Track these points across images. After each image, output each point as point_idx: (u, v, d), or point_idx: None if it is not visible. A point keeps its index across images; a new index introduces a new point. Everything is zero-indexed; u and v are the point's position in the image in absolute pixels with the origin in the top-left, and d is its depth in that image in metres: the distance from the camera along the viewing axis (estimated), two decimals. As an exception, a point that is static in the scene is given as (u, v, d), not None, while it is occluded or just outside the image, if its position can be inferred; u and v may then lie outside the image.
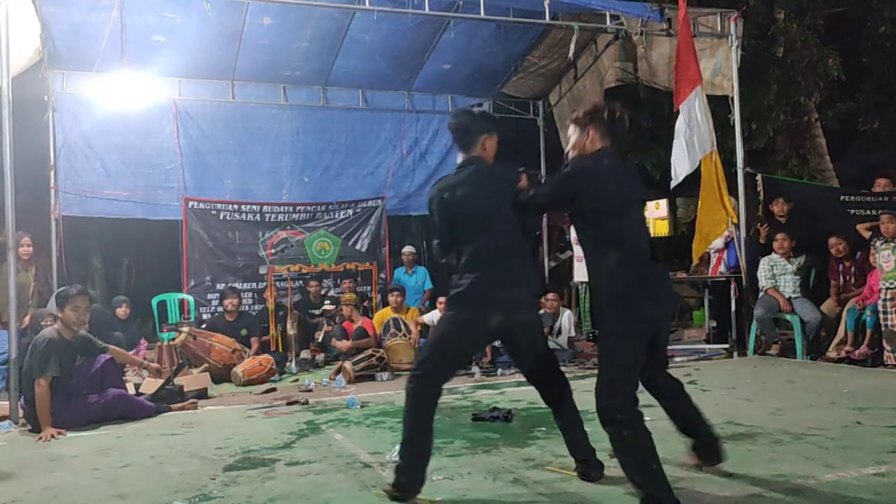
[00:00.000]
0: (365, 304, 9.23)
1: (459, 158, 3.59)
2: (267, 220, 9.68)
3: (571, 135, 3.45)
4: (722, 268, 8.29)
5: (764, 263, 7.69)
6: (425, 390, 3.32)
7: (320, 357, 8.19)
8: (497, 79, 10.17)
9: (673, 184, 8.20)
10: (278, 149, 9.76)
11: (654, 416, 4.86)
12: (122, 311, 8.30)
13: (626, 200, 3.30)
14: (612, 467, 3.71)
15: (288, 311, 8.48)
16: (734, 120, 8.11)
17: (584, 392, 5.90)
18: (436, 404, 3.34)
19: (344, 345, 7.69)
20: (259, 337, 8.05)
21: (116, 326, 7.90)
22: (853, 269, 7.60)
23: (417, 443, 3.27)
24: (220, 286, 9.22)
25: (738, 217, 7.94)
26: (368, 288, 9.44)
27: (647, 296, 3.17)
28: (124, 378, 6.14)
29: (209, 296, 9.32)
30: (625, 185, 3.34)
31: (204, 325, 8.29)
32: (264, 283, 9.09)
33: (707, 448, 3.53)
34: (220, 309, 8.88)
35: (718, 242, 8.21)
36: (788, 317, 7.48)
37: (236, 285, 9.09)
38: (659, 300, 3.26)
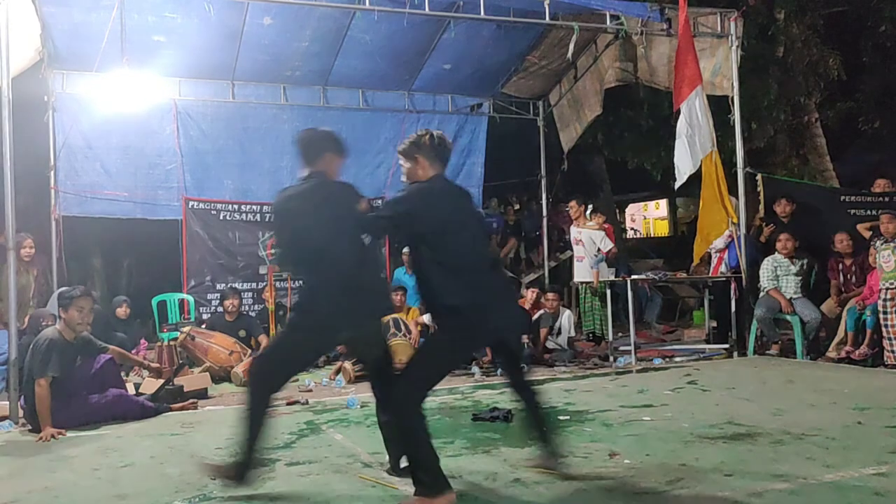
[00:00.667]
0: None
1: (304, 172, 3.71)
2: (267, 220, 9.66)
3: (403, 166, 3.54)
4: (723, 268, 8.29)
5: (767, 264, 7.68)
6: (264, 389, 3.58)
7: (320, 357, 8.18)
8: (497, 79, 10.16)
9: (677, 184, 8.21)
10: (278, 149, 9.74)
11: (654, 417, 4.88)
12: (122, 311, 8.30)
13: (458, 220, 3.39)
14: (612, 467, 3.72)
15: (287, 311, 8.48)
16: (734, 120, 8.11)
17: (583, 392, 5.93)
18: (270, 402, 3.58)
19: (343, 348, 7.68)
20: (267, 336, 8.05)
21: (117, 327, 7.90)
22: (854, 267, 7.60)
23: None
24: (220, 286, 9.21)
25: (738, 217, 7.95)
26: (368, 288, 9.44)
27: (485, 309, 3.28)
28: (125, 378, 6.14)
29: (209, 296, 9.31)
30: (457, 207, 3.46)
31: (204, 325, 8.29)
32: (264, 283, 9.08)
33: (550, 455, 3.66)
34: (220, 309, 8.87)
35: (719, 242, 8.22)
36: (788, 317, 7.48)
37: (237, 286, 9.09)
38: (499, 313, 3.37)
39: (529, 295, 8.43)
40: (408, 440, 3.25)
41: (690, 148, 7.95)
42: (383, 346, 3.88)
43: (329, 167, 3.68)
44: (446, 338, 3.40)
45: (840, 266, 7.72)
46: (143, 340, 8.55)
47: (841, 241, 7.67)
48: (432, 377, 3.34)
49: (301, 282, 3.65)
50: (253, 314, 8.88)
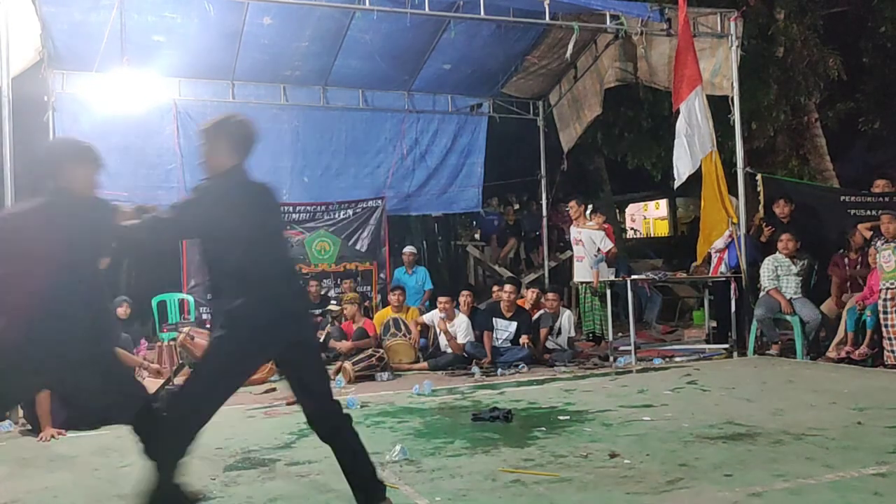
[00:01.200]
0: (365, 304, 9.24)
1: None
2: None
3: (202, 147, 3.10)
4: (723, 268, 8.29)
5: (768, 264, 7.67)
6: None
7: (321, 357, 8.18)
8: (497, 79, 10.17)
9: (676, 184, 8.21)
10: (278, 149, 9.75)
11: (654, 417, 4.88)
12: (122, 311, 8.28)
13: (254, 223, 2.95)
14: (612, 467, 3.72)
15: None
16: (734, 120, 8.12)
17: (583, 392, 5.93)
18: None
19: (344, 345, 7.69)
20: None
21: (119, 327, 7.88)
22: (858, 264, 7.57)
23: None
24: (220, 286, 9.22)
25: (739, 217, 7.95)
26: (368, 288, 9.45)
27: (276, 322, 2.90)
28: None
29: (209, 296, 9.31)
30: (255, 207, 3.00)
31: (208, 325, 8.28)
32: (264, 284, 9.07)
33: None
34: (220, 309, 8.87)
35: (719, 243, 8.21)
36: (788, 317, 7.48)
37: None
38: (291, 326, 2.98)
39: (529, 295, 8.44)
40: (157, 457, 2.91)
41: (690, 148, 7.95)
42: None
43: (72, 182, 3.08)
44: (229, 348, 2.91)
45: (845, 261, 7.69)
46: (143, 340, 8.55)
47: (861, 231, 7.56)
48: (217, 391, 2.98)
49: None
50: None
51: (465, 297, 8.11)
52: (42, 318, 2.84)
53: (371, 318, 8.27)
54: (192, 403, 2.96)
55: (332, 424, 3.08)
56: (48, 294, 2.85)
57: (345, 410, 3.14)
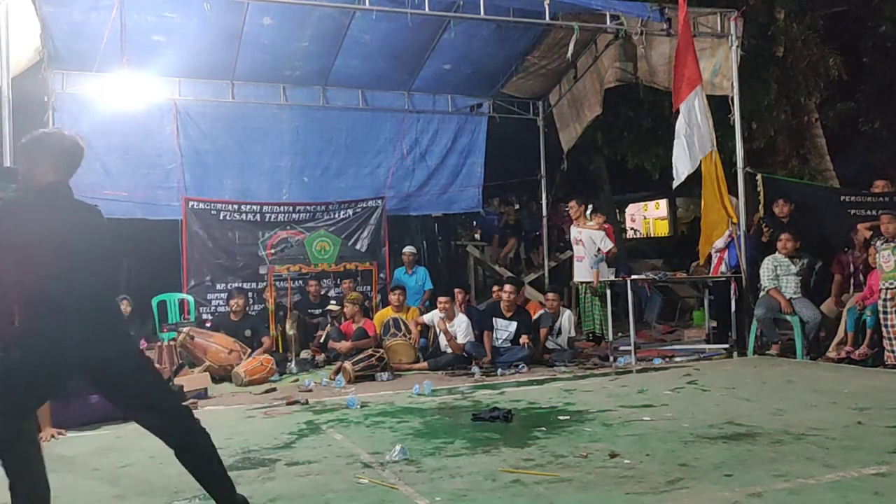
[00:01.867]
0: (365, 304, 9.23)
1: None
2: (267, 220, 9.68)
3: (20, 163, 2.96)
4: (723, 268, 8.29)
5: (767, 264, 7.68)
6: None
7: (320, 357, 8.18)
8: (497, 79, 10.17)
9: (675, 184, 8.21)
10: (278, 149, 9.76)
11: (654, 417, 4.88)
12: (122, 309, 8.30)
13: (49, 244, 2.80)
14: (612, 467, 3.72)
15: (288, 311, 8.48)
16: (734, 120, 8.12)
17: (583, 392, 5.93)
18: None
19: (344, 346, 7.68)
20: (269, 336, 8.07)
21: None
22: (862, 264, 7.56)
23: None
24: (220, 286, 9.23)
25: (738, 217, 7.95)
26: (368, 288, 9.44)
27: (50, 349, 2.78)
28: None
29: (209, 296, 9.32)
30: (52, 227, 2.83)
31: (208, 325, 8.28)
32: (264, 283, 9.09)
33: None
34: (220, 309, 8.88)
35: (719, 242, 8.21)
36: (788, 317, 7.48)
37: (242, 286, 9.09)
38: (72, 352, 2.82)
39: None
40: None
41: (689, 148, 7.96)
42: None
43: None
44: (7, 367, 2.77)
45: (851, 258, 7.67)
46: (142, 340, 8.55)
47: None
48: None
49: None
50: (253, 314, 8.88)
51: (460, 295, 8.17)
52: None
53: (371, 318, 8.27)
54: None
55: (180, 436, 2.99)
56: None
57: (193, 421, 3.03)
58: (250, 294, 9.44)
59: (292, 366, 7.76)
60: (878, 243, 6.94)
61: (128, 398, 3.01)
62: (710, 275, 8.44)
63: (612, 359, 7.60)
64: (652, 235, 23.16)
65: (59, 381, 2.96)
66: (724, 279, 8.10)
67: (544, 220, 11.26)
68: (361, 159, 10.22)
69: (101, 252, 3.01)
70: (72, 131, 3.06)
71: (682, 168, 8.03)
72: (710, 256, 8.49)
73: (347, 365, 7.03)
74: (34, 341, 2.78)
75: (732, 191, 8.10)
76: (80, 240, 2.91)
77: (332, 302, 8.85)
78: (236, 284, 9.15)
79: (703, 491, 3.29)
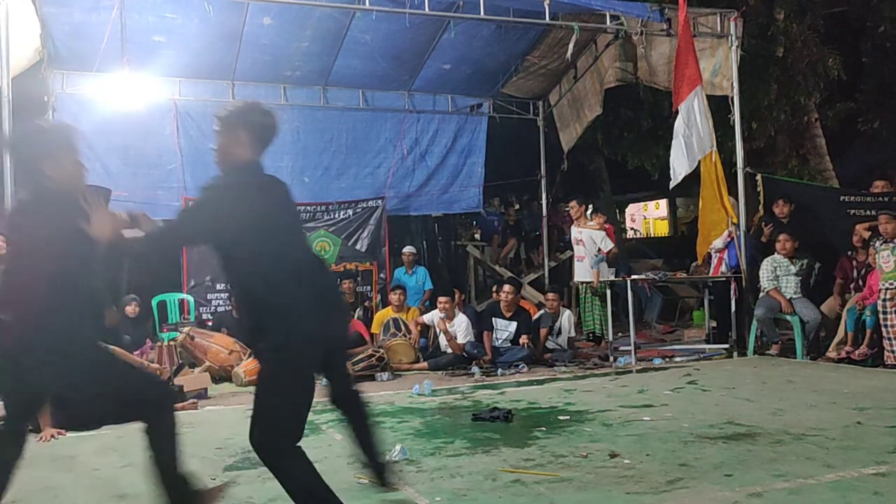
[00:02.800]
0: (365, 304, 9.24)
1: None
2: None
3: (218, 138, 2.90)
4: (723, 268, 8.29)
5: (766, 264, 7.68)
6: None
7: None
8: (497, 79, 10.17)
9: (672, 184, 8.21)
10: (278, 149, 9.72)
11: (654, 417, 4.88)
12: (130, 310, 8.29)
13: (274, 223, 2.83)
14: (612, 467, 3.72)
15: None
16: (734, 120, 8.12)
17: (583, 392, 5.93)
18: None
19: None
20: None
21: (126, 325, 7.88)
22: (865, 266, 7.55)
23: None
24: (220, 286, 9.22)
25: (738, 217, 7.95)
26: (368, 288, 9.45)
27: (311, 318, 2.78)
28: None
29: (209, 296, 9.31)
30: (274, 205, 2.89)
31: (210, 323, 8.27)
32: (264, 284, 9.08)
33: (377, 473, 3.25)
34: (220, 309, 8.87)
35: (719, 243, 8.21)
36: (788, 317, 7.48)
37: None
38: (325, 321, 2.87)
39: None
40: (292, 488, 2.89)
41: (687, 148, 7.96)
42: None
43: (53, 176, 2.81)
44: (273, 368, 2.81)
45: (854, 262, 7.66)
46: (147, 340, 8.54)
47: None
48: (287, 417, 2.88)
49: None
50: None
51: (456, 295, 8.21)
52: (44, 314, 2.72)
53: (370, 319, 8.27)
54: (274, 429, 2.90)
55: (348, 402, 3.23)
56: (49, 290, 2.71)
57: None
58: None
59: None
60: (878, 243, 6.95)
61: (339, 375, 3.16)
62: (710, 275, 8.44)
63: (612, 359, 7.60)
64: (652, 235, 23.17)
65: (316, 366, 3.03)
66: (724, 279, 8.10)
67: (544, 220, 11.26)
68: (362, 159, 10.21)
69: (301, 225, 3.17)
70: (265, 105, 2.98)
71: (679, 168, 8.04)
72: (709, 256, 8.50)
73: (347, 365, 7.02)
74: (295, 326, 2.73)
75: (732, 191, 8.10)
76: (297, 216, 3.06)
77: None
78: None
79: (703, 491, 3.30)
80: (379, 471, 3.23)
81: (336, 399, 3.20)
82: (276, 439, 2.84)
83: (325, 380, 3.12)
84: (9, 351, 2.73)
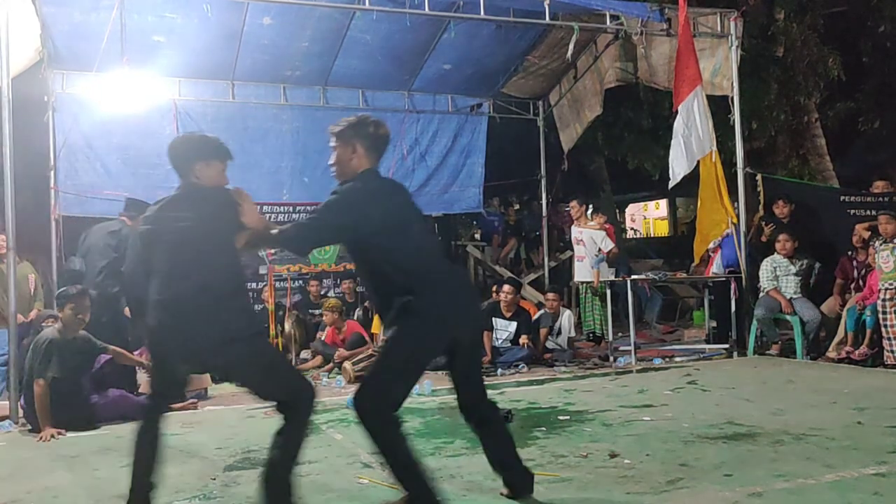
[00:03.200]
0: (365, 304, 9.24)
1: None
2: (267, 219, 9.66)
3: (334, 150, 3.15)
4: (715, 268, 8.29)
5: (766, 264, 7.68)
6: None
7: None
8: (497, 79, 10.16)
9: (671, 184, 8.22)
10: (278, 149, 9.75)
11: (654, 417, 4.88)
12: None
13: (406, 218, 3.10)
14: (612, 467, 3.72)
15: (287, 311, 8.47)
16: (734, 120, 8.12)
17: (583, 392, 5.93)
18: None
19: (342, 354, 7.60)
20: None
21: (127, 326, 7.86)
22: (865, 268, 7.55)
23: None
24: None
25: (738, 217, 7.95)
26: (369, 288, 9.44)
27: (443, 307, 3.00)
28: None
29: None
30: (401, 204, 3.14)
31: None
32: (264, 283, 9.09)
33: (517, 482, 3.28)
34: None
35: (710, 243, 8.22)
36: (788, 317, 7.48)
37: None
38: (457, 311, 3.07)
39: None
40: (382, 451, 2.97)
41: (686, 149, 7.96)
42: None
43: (202, 177, 3.20)
44: (407, 340, 3.00)
45: (854, 262, 7.66)
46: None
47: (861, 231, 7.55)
48: (398, 384, 3.01)
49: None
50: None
51: None
52: (178, 307, 2.99)
53: (353, 319, 8.26)
54: (381, 395, 3.00)
55: (481, 414, 3.24)
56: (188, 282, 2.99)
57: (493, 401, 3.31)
58: (251, 294, 9.43)
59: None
60: (878, 243, 6.95)
61: (463, 365, 3.20)
62: (706, 275, 8.44)
63: (612, 359, 7.60)
64: (652, 235, 23.17)
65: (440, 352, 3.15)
66: (724, 279, 8.10)
67: (544, 220, 11.26)
68: (361, 159, 10.21)
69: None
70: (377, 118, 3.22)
71: (678, 168, 8.04)
72: (708, 256, 8.50)
73: (347, 365, 7.02)
74: (438, 315, 2.98)
75: (732, 191, 8.10)
76: (418, 215, 3.25)
77: None
78: None
79: (703, 491, 3.30)
80: (518, 479, 3.25)
81: (466, 405, 3.23)
82: (380, 402, 2.97)
83: (451, 380, 3.22)
84: (185, 331, 2.97)
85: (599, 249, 8.51)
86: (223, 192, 3.21)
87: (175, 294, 3.00)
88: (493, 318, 7.81)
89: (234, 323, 3.00)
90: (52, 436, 4.90)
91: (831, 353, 7.20)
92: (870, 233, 7.43)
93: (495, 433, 3.25)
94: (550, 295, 8.32)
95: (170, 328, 3.01)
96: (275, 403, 3.13)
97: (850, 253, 7.73)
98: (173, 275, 3.03)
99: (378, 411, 2.96)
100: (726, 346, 7.90)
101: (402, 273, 2.98)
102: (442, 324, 3.00)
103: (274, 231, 3.20)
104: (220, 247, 3.07)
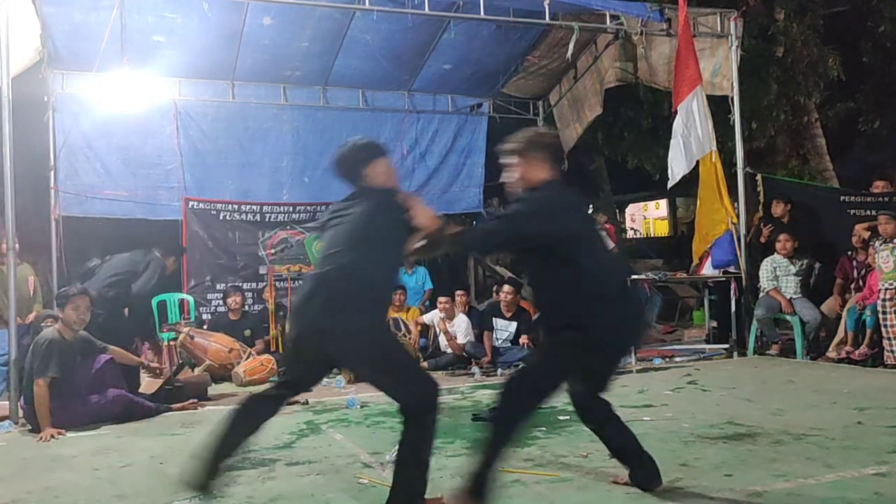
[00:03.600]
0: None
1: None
2: (267, 220, 9.67)
3: (512, 167, 3.24)
4: (705, 270, 8.27)
5: (766, 264, 7.68)
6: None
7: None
8: (497, 79, 10.16)
9: (670, 184, 8.23)
10: (278, 149, 9.75)
11: (654, 417, 4.88)
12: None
13: (589, 229, 3.27)
14: (612, 467, 3.72)
15: (288, 311, 8.47)
16: (734, 120, 8.12)
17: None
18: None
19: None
20: (263, 338, 8.06)
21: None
22: (865, 268, 7.54)
23: None
24: (220, 286, 9.21)
25: (738, 217, 7.95)
26: (368, 288, 9.44)
27: (612, 327, 3.07)
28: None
29: (209, 296, 9.30)
30: (583, 213, 3.28)
31: (206, 325, 8.27)
32: (264, 283, 9.09)
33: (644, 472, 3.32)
34: (220, 309, 8.86)
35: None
36: (788, 317, 7.48)
37: (239, 284, 9.09)
38: (624, 330, 3.19)
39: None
40: (487, 445, 2.98)
41: (685, 149, 7.97)
42: None
43: (372, 177, 3.28)
44: (564, 351, 3.07)
45: (854, 262, 7.65)
46: (145, 341, 8.52)
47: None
48: (543, 392, 3.07)
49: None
50: (254, 313, 8.87)
51: (460, 297, 8.18)
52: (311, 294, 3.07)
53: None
54: (525, 398, 3.06)
55: (599, 415, 3.32)
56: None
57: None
58: (251, 294, 9.44)
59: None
60: (877, 243, 6.95)
61: (601, 377, 3.31)
62: (702, 275, 8.43)
63: (612, 359, 7.58)
64: (652, 235, 23.17)
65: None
66: (724, 279, 8.09)
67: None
68: (362, 159, 10.20)
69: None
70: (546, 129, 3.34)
71: (677, 168, 8.05)
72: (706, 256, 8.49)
73: (347, 365, 7.02)
74: (605, 338, 3.05)
75: (732, 191, 8.10)
76: (594, 225, 3.45)
77: None
78: (233, 282, 9.11)
79: (703, 491, 3.30)
80: (646, 468, 3.28)
81: (583, 407, 3.32)
82: (522, 411, 3.03)
83: (584, 381, 3.26)
84: (313, 314, 3.02)
85: (600, 249, 8.49)
86: (388, 193, 3.22)
87: (315, 283, 3.10)
88: (494, 318, 7.81)
89: (358, 316, 2.99)
90: (52, 436, 4.90)
91: (831, 354, 7.20)
92: (870, 233, 7.43)
93: (616, 427, 3.30)
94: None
95: (302, 309, 3.08)
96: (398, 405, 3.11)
97: (849, 253, 7.72)
98: (321, 262, 3.15)
99: (514, 420, 3.02)
100: (726, 346, 7.91)
101: (582, 286, 3.01)
102: (606, 347, 3.10)
103: (452, 233, 3.19)
104: (368, 242, 3.09)
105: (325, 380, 7.00)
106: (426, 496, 3.02)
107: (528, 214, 3.09)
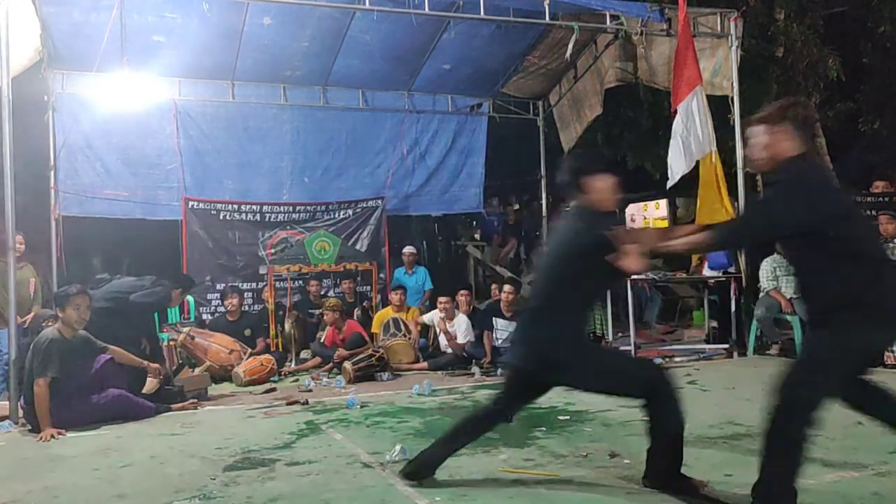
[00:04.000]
0: (364, 304, 9.24)
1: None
2: (267, 220, 9.68)
3: (760, 140, 2.98)
4: (704, 271, 8.27)
5: (766, 264, 7.68)
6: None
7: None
8: (497, 79, 10.16)
9: (669, 184, 8.24)
10: (278, 149, 9.75)
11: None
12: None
13: (852, 203, 3.14)
14: (612, 467, 3.72)
15: (287, 310, 8.47)
16: (734, 120, 8.12)
17: (583, 392, 5.92)
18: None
19: (343, 354, 7.60)
20: (264, 338, 8.06)
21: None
22: None
23: None
24: (220, 286, 9.21)
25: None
26: (368, 288, 9.44)
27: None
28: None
29: (209, 296, 9.30)
30: (836, 183, 3.13)
31: (206, 326, 8.27)
32: (264, 283, 9.09)
33: None
34: (220, 309, 8.86)
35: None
36: (789, 317, 7.48)
37: (237, 284, 9.09)
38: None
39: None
40: (777, 447, 2.82)
41: (685, 149, 7.97)
42: None
43: (589, 192, 3.30)
44: (856, 336, 2.82)
45: None
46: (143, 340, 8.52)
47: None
48: (833, 383, 2.85)
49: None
50: (254, 313, 8.87)
51: (463, 297, 8.16)
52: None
53: (370, 319, 8.24)
54: (811, 392, 2.83)
55: (861, 393, 3.07)
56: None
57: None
58: (251, 294, 9.44)
59: (292, 365, 7.79)
60: (878, 243, 6.93)
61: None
62: (702, 275, 8.43)
63: (612, 359, 7.59)
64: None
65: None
66: (724, 279, 8.09)
67: (544, 220, 11.26)
68: (361, 159, 10.21)
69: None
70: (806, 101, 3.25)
71: (677, 168, 8.05)
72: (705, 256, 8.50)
73: (347, 365, 7.03)
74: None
75: (732, 191, 8.10)
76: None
77: None
78: (230, 283, 9.10)
79: (703, 491, 3.29)
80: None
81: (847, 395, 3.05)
82: (814, 399, 2.79)
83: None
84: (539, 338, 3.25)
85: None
86: (593, 224, 3.24)
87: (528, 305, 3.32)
88: (494, 318, 7.81)
89: (547, 343, 3.23)
90: (52, 436, 4.90)
91: (831, 354, 7.19)
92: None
93: (881, 398, 3.05)
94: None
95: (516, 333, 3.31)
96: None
97: None
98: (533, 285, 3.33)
99: (804, 410, 2.78)
100: (726, 346, 7.91)
101: (860, 265, 2.82)
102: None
103: (695, 238, 3.09)
104: (557, 266, 3.29)
105: (325, 380, 7.03)
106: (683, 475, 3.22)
107: (794, 202, 2.84)
